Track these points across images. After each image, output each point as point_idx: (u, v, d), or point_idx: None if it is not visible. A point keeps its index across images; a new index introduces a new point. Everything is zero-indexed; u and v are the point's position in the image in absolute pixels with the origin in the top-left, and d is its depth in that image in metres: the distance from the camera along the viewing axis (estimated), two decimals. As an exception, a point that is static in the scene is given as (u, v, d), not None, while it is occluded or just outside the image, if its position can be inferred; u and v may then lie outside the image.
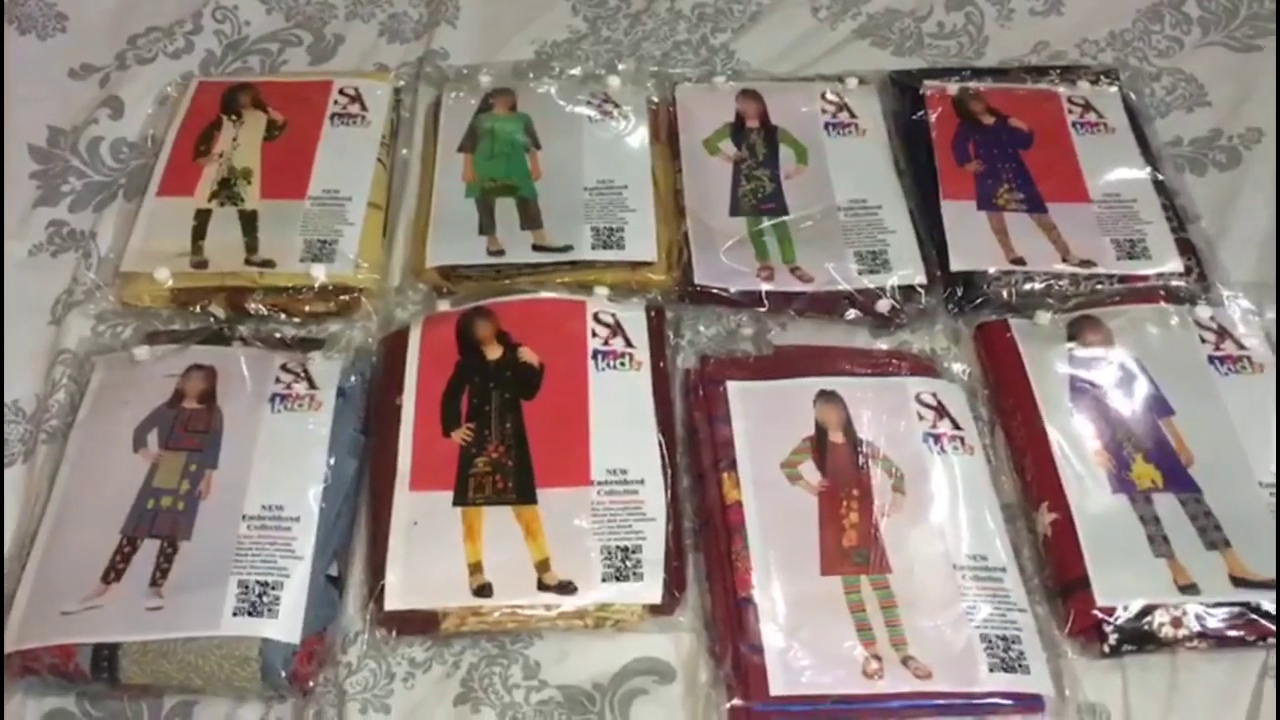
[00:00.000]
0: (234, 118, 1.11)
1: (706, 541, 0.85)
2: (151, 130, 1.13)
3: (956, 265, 1.01)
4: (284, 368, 0.91)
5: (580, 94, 1.15)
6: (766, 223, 1.04)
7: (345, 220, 1.03)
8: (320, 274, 0.98)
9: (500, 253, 1.01)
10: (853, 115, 1.14)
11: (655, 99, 1.16)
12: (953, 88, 1.16)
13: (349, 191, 1.05)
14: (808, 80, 1.18)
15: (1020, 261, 1.01)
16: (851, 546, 0.82)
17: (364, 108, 1.13)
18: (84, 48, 1.21)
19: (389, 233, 1.06)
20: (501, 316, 0.94)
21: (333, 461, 0.86)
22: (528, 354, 0.91)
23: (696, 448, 0.89)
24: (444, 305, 0.96)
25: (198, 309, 0.98)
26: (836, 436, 0.88)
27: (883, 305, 0.98)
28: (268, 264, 0.99)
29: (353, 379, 0.91)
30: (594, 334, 0.93)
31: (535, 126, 1.12)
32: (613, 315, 0.94)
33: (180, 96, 1.14)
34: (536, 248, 1.01)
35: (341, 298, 0.99)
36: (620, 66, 1.20)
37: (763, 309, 0.99)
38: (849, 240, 1.03)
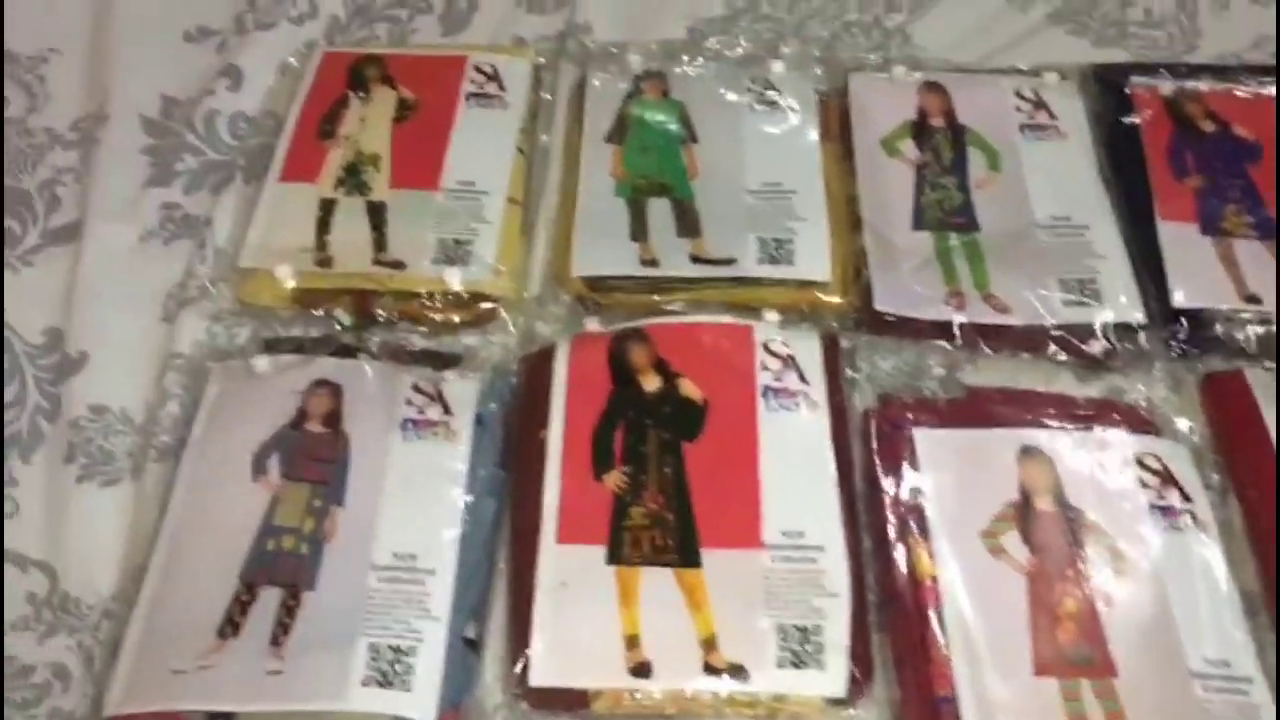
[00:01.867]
0: (362, 95, 1.01)
1: (894, 621, 0.73)
2: (272, 105, 1.03)
3: (1180, 301, 0.87)
4: (416, 388, 0.81)
5: (739, 80, 1.03)
6: (955, 240, 0.92)
7: (482, 217, 0.92)
8: (455, 279, 0.88)
9: (654, 263, 0.89)
10: (1052, 116, 1.00)
11: (823, 88, 1.03)
12: (1166, 87, 1.01)
13: (486, 184, 0.94)
14: (999, 73, 1.04)
15: (1255, 299, 0.87)
16: (1069, 642, 0.70)
17: (502, 87, 1.02)
18: (200, 7, 1.11)
19: (528, 233, 0.95)
20: (659, 341, 0.83)
21: (470, 501, 0.76)
22: (690, 387, 0.80)
23: (878, 505, 0.78)
24: (593, 324, 0.85)
25: (321, 312, 0.88)
26: (1044, 503, 0.76)
27: (1096, 347, 0.85)
28: (397, 265, 0.89)
29: (491, 405, 0.81)
30: (764, 367, 0.82)
31: (690, 116, 1.00)
32: (785, 345, 0.83)
33: (303, 67, 1.04)
34: (695, 259, 0.90)
35: (478, 307, 0.88)
36: (783, 49, 1.08)
37: (952, 342, 0.87)
38: (1051, 265, 0.89)
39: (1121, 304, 0.87)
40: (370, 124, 0.99)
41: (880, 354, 0.88)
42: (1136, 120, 0.99)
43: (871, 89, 1.02)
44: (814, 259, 0.89)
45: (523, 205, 0.95)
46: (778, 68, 1.04)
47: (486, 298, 0.89)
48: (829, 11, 1.12)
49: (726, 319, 0.85)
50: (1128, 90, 1.01)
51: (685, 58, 1.05)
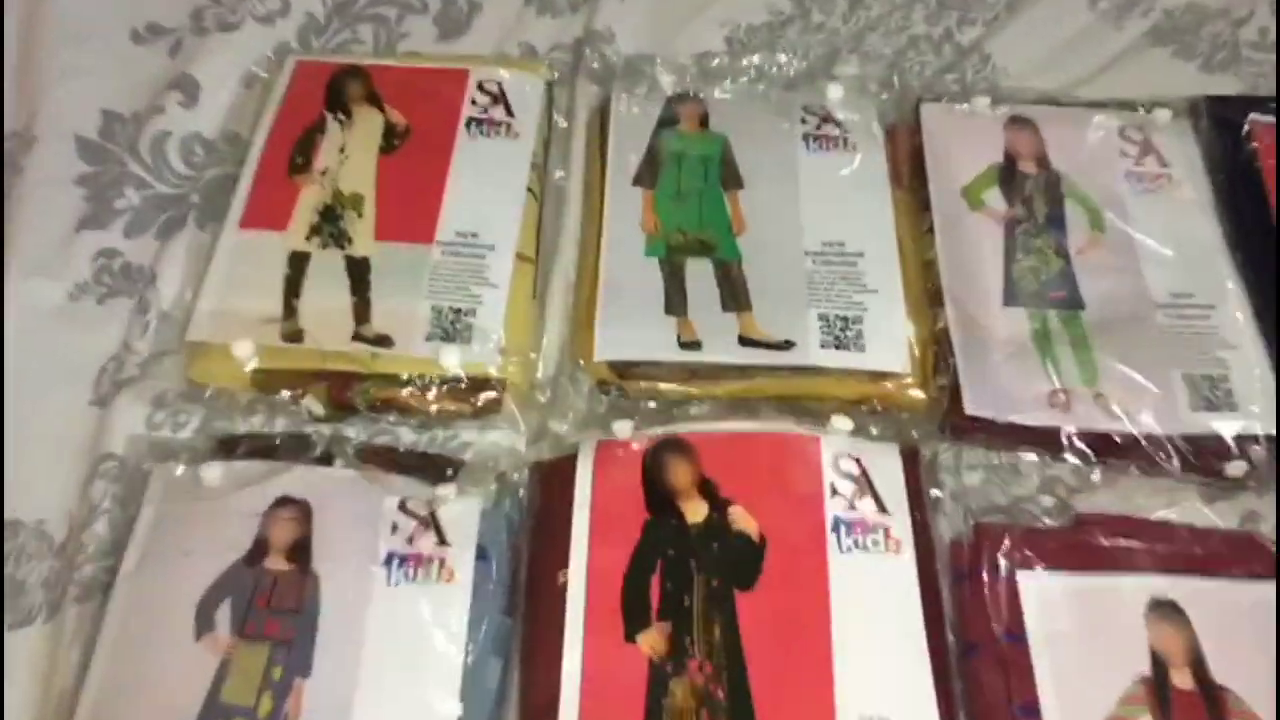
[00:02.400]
0: (341, 117, 0.84)
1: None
2: (235, 125, 0.86)
3: (1327, 407, 0.72)
4: (404, 508, 0.66)
5: (791, 107, 0.86)
6: (1055, 319, 0.76)
7: (486, 279, 0.76)
8: (453, 361, 0.72)
9: (696, 345, 0.74)
10: (1163, 162, 0.84)
11: (889, 118, 0.87)
12: (1295, 125, 0.86)
13: (491, 236, 0.78)
14: (1096, 106, 0.88)
15: None
16: None
17: (510, 111, 0.85)
18: (150, 2, 0.94)
19: (541, 297, 0.79)
20: (705, 455, 0.67)
21: (470, 663, 0.61)
22: (743, 519, 0.65)
23: (974, 670, 0.63)
24: (622, 427, 0.69)
25: (289, 396, 0.72)
26: (1183, 679, 0.62)
27: (1234, 469, 0.70)
28: (383, 341, 0.73)
29: (500, 533, 0.66)
30: (834, 491, 0.67)
31: (735, 153, 0.84)
32: (858, 463, 0.67)
33: (273, 79, 0.87)
34: (745, 341, 0.74)
35: (480, 395, 0.72)
36: (841, 70, 0.91)
37: (1056, 453, 0.71)
38: (1173, 356, 0.74)
39: (1255, 410, 0.72)
40: (352, 155, 0.82)
41: (967, 461, 0.73)
42: (1257, 164, 0.84)
43: (949, 123, 0.86)
44: (888, 344, 0.74)
45: (535, 262, 0.79)
46: (835, 92, 0.87)
47: (490, 384, 0.73)
48: (891, 22, 0.96)
49: (787, 426, 0.69)
50: (1246, 128, 0.86)
51: (727, 81, 0.89)
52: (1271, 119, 0.86)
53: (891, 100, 0.89)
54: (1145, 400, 0.72)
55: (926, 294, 0.77)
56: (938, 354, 0.75)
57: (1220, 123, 0.87)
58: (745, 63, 0.91)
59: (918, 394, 0.73)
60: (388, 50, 0.93)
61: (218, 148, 0.85)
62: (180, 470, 0.67)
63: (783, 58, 0.92)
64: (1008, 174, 0.83)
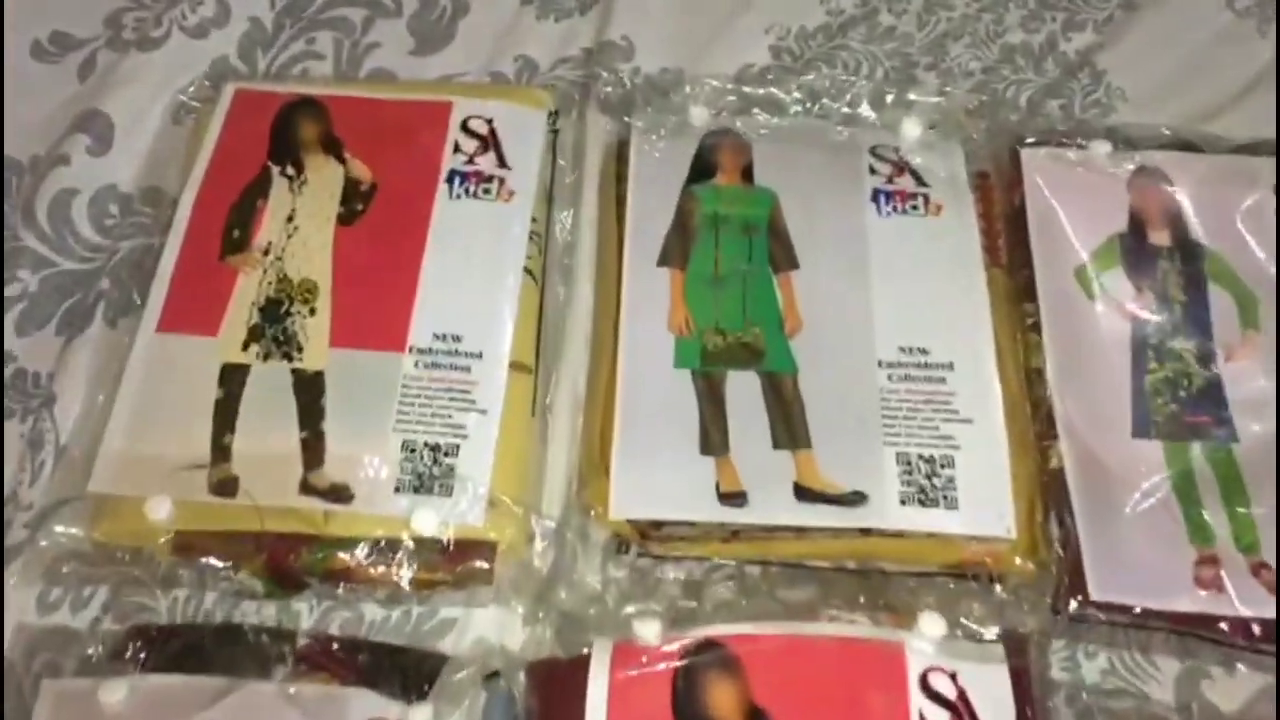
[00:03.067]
0: (291, 171, 0.66)
1: None
2: (157, 179, 0.69)
3: None
4: (367, 738, 0.51)
5: (857, 150, 0.68)
6: (1200, 456, 0.59)
7: (472, 402, 0.60)
8: (429, 522, 0.56)
9: (740, 497, 0.57)
10: (1337, 231, 0.66)
11: (976, 163, 0.69)
12: None
13: (478, 339, 0.62)
14: (1247, 150, 0.69)
15: None
16: None
17: (502, 159, 0.68)
18: (58, 6, 0.75)
19: (541, 409, 0.63)
20: (755, 674, 0.52)
21: None
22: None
23: None
24: (647, 627, 0.53)
25: (219, 565, 0.56)
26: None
27: None
28: (339, 494, 0.57)
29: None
30: (920, 718, 0.51)
31: (786, 217, 0.66)
32: (954, 681, 0.52)
33: (206, 113, 0.69)
34: (804, 492, 0.57)
35: (463, 565, 0.57)
36: (915, 95, 0.72)
37: (1202, 634, 0.56)
38: (1356, 512, 0.58)
39: None
40: (303, 226, 0.65)
41: (1085, 651, 0.57)
42: None
43: (1057, 176, 0.68)
44: (988, 497, 0.57)
45: (534, 371, 0.62)
46: (912, 129, 0.69)
47: (477, 548, 0.57)
48: (980, 27, 0.77)
49: (861, 628, 0.53)
50: None
51: (764, 114, 0.71)
52: None
53: (981, 137, 0.70)
54: (1320, 575, 0.56)
55: (1033, 419, 0.61)
56: (1047, 502, 0.58)
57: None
58: (795, 88, 0.72)
59: (1025, 564, 0.57)
60: (351, 68, 0.75)
61: (136, 208, 0.68)
62: (75, 686, 0.52)
63: (843, 76, 0.74)
64: (1134, 247, 0.65)
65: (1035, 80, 0.75)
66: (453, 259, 0.64)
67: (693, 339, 0.62)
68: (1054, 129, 0.71)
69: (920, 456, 0.58)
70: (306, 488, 0.57)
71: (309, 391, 0.60)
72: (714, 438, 0.59)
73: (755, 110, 0.72)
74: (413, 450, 0.58)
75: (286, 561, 0.56)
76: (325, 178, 0.66)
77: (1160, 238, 0.66)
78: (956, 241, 0.65)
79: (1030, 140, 0.69)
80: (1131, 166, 0.67)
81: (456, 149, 0.68)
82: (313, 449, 0.58)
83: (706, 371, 0.61)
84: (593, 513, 0.58)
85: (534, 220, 0.66)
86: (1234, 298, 0.64)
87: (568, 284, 0.66)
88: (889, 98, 0.72)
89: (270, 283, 0.63)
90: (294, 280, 0.63)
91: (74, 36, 0.74)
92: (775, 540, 0.58)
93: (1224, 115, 0.73)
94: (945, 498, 0.57)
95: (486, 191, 0.66)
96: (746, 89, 0.72)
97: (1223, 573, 0.56)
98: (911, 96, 0.72)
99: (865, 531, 0.57)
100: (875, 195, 0.67)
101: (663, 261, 0.64)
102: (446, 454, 0.58)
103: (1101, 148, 0.68)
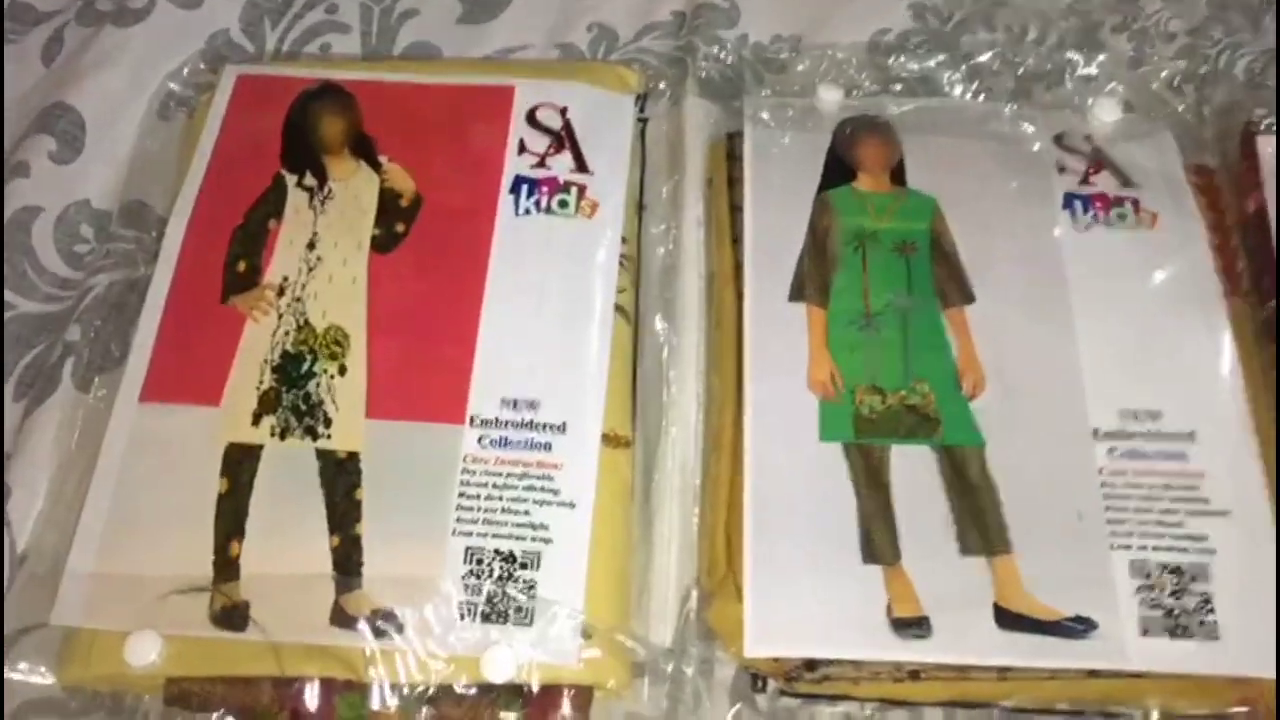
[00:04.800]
0: (311, 182, 0.51)
1: None
2: (141, 191, 0.54)
3: None
4: None
5: (1038, 137, 0.53)
6: None
7: (555, 493, 0.45)
8: (505, 665, 0.42)
9: (919, 625, 0.43)
10: None
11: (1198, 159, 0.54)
12: None
13: (559, 406, 0.47)
14: None
15: None
16: None
17: (581, 161, 0.52)
18: (17, -31, 0.60)
19: (643, 492, 0.48)
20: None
21: None
22: None
23: None
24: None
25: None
26: None
27: None
28: (384, 626, 0.42)
29: None
30: None
31: (953, 233, 0.50)
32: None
33: (203, 105, 0.55)
34: (1006, 617, 0.42)
35: (552, 717, 0.42)
36: (1108, 62, 0.57)
37: None
38: None
39: None
40: (328, 257, 0.50)
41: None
42: None
43: (1305, 173, 0.52)
44: (1258, 620, 0.42)
45: (631, 443, 0.48)
46: (1108, 110, 0.54)
47: (569, 692, 0.42)
48: (1183, -20, 0.60)
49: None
50: None
51: (911, 95, 0.55)
52: None
53: (1196, 120, 0.54)
54: None
55: (1294, 507, 0.45)
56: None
57: None
58: (947, 60, 0.56)
59: (1309, 713, 0.42)
60: (383, 43, 0.59)
61: (114, 231, 0.53)
62: None
63: (1006, 42, 0.58)
64: None
65: (1254, 42, 0.58)
66: (522, 296, 0.49)
67: (842, 401, 0.47)
68: (1287, 100, 0.55)
69: (1164, 566, 0.43)
70: (339, 616, 0.43)
71: (340, 480, 0.45)
72: (879, 539, 0.44)
73: (898, 89, 0.56)
74: (480, 561, 0.44)
75: (317, 716, 0.42)
76: (356, 190, 0.51)
77: None
78: (1182, 262, 0.50)
79: (1266, 122, 0.53)
80: None
81: (522, 148, 0.52)
82: (347, 561, 0.44)
83: (863, 445, 0.46)
84: (719, 644, 0.44)
85: (624, 241, 0.51)
86: None
87: (671, 324, 0.51)
88: (1072, 70, 0.56)
89: (287, 332, 0.48)
90: (318, 329, 0.48)
91: (35, 8, 0.60)
92: (969, 680, 0.43)
93: None
94: (1201, 624, 0.42)
95: (563, 204, 0.51)
96: (888, 62, 0.56)
97: None
98: (1092, 70, 0.56)
99: (1093, 673, 0.42)
100: (1069, 201, 0.52)
101: (796, 295, 0.49)
102: (525, 565, 0.44)
103: (1370, 135, 0.52)
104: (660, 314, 0.51)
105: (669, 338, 0.50)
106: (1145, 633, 0.42)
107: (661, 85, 0.57)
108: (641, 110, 0.56)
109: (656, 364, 0.50)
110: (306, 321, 0.48)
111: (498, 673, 0.42)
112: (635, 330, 0.50)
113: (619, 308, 0.49)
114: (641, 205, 0.54)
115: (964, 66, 0.57)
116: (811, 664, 0.43)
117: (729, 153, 0.54)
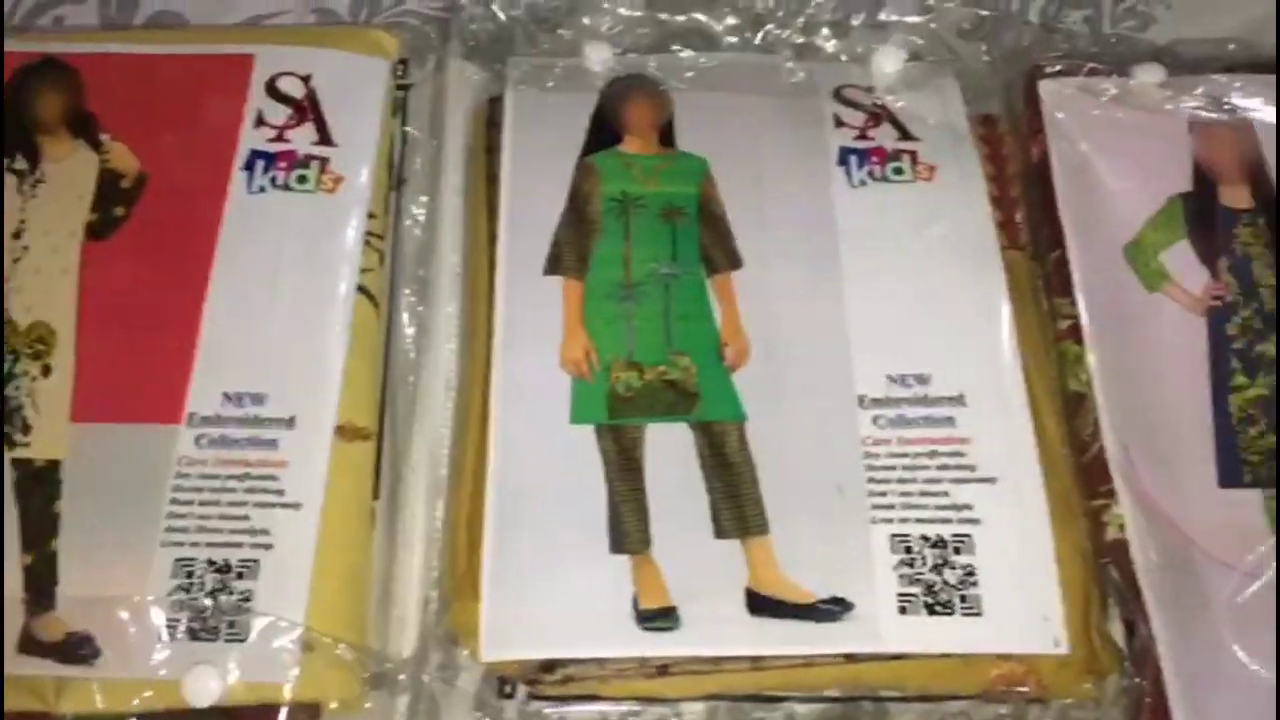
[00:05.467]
0: (22, 165, 0.47)
1: None
2: None
3: None
4: None
5: (816, 92, 0.50)
6: (1309, 509, 0.42)
7: (278, 494, 0.41)
8: (208, 688, 0.38)
9: (667, 616, 0.39)
10: None
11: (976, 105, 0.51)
12: None
13: (288, 398, 0.43)
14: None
15: None
16: None
17: (324, 134, 0.49)
18: None
19: (389, 490, 0.44)
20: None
21: None
22: None
23: None
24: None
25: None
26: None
27: None
28: (77, 651, 0.38)
29: None
30: None
31: (718, 194, 0.47)
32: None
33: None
34: (759, 601, 0.40)
35: (270, 732, 0.39)
36: (892, 16, 0.54)
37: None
38: None
39: None
40: (37, 246, 0.45)
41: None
42: None
43: (1091, 117, 0.49)
44: (1025, 594, 0.40)
45: (376, 436, 0.44)
46: (890, 61, 0.51)
47: (290, 711, 0.39)
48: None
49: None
50: None
51: (687, 50, 0.52)
52: None
53: (982, 68, 0.52)
54: None
55: (1078, 468, 0.43)
56: (1104, 590, 0.41)
57: None
58: (728, 12, 0.53)
59: (1082, 685, 0.40)
60: (124, 13, 0.55)
61: None
62: None
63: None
64: (1201, 214, 0.47)
65: (1044, -16, 0.56)
66: (252, 280, 0.45)
67: (599, 387, 0.43)
68: (1082, 52, 0.52)
69: (925, 539, 0.41)
70: (28, 643, 0.39)
71: (37, 493, 0.41)
72: (629, 526, 0.41)
73: (675, 46, 0.53)
74: (190, 574, 0.40)
75: (5, 753, 0.38)
76: (71, 171, 0.47)
77: (1236, 198, 0.47)
78: (959, 217, 0.47)
79: (1051, 69, 0.50)
80: (1193, 102, 0.49)
81: (260, 121, 0.48)
82: (40, 582, 0.40)
83: (616, 426, 0.43)
84: (461, 646, 0.40)
85: (372, 217, 0.47)
86: (1343, 275, 0.46)
87: (426, 306, 0.47)
88: (856, 19, 0.53)
89: (-13, 330, 0.44)
90: (20, 325, 0.44)
91: None
92: (723, 672, 0.40)
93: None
94: (963, 599, 0.40)
95: (302, 180, 0.47)
96: (662, 16, 0.53)
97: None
98: (884, 16, 0.54)
99: (850, 656, 0.39)
100: (844, 156, 0.49)
101: (551, 268, 0.46)
102: (240, 575, 0.40)
103: (1150, 74, 0.50)
104: (415, 295, 0.47)
105: (423, 321, 0.47)
106: (903, 611, 0.39)
107: (430, 46, 0.53)
108: (404, 78, 0.52)
109: (407, 350, 0.46)
110: (10, 320, 0.44)
111: (202, 696, 0.38)
112: (387, 313, 0.47)
113: (363, 289, 0.46)
114: (399, 179, 0.50)
115: (745, 20, 0.53)
116: (550, 665, 0.39)
117: (489, 119, 0.50)
